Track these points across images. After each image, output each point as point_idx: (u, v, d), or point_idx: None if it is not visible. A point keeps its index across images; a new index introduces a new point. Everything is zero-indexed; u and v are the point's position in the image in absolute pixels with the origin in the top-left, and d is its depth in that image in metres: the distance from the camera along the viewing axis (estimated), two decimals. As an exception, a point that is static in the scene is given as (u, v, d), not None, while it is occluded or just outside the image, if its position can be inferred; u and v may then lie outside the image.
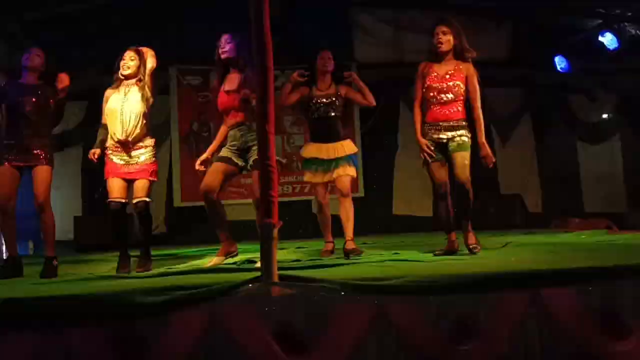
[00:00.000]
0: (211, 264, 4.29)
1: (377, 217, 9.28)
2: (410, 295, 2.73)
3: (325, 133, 4.91)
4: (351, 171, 4.87)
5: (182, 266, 4.52)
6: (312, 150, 4.94)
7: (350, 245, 4.64)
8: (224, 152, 4.41)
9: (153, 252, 6.68)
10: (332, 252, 4.95)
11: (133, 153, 4.36)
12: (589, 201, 9.44)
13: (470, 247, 4.33)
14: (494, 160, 4.48)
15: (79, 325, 2.52)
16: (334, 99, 4.92)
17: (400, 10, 9.24)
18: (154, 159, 4.46)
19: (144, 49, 4.49)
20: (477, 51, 4.48)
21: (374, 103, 4.94)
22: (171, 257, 6.26)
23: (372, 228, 8.95)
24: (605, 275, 2.89)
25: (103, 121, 4.46)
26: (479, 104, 4.38)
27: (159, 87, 8.92)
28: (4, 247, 5.09)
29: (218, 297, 2.70)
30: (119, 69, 4.41)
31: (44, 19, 7.76)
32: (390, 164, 9.38)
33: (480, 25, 9.08)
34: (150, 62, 4.45)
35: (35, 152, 4.43)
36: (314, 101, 4.93)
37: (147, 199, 4.42)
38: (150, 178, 4.42)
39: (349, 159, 4.89)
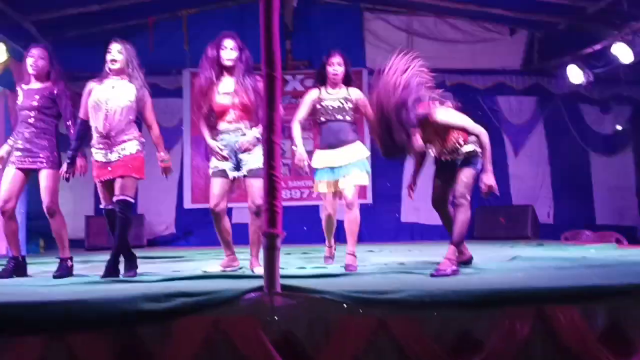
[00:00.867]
0: (209, 269, 4.31)
1: (385, 224, 9.27)
2: (413, 309, 2.72)
3: (335, 138, 4.58)
4: (360, 179, 4.56)
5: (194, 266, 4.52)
6: (323, 159, 4.65)
7: (350, 260, 4.45)
8: (218, 164, 4.43)
9: (161, 254, 6.79)
10: (332, 258, 4.89)
11: (115, 148, 4.18)
12: (600, 213, 9.36)
13: (435, 270, 3.91)
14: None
15: (81, 331, 2.53)
16: (344, 103, 4.58)
17: (413, 16, 9.23)
18: (138, 154, 4.23)
19: (128, 43, 4.31)
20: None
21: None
22: (179, 258, 6.29)
23: (379, 235, 8.95)
24: (612, 294, 2.86)
25: (82, 115, 4.29)
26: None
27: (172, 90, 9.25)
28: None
29: (221, 306, 2.71)
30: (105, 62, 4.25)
31: (59, 19, 7.85)
32: (399, 171, 9.34)
33: (494, 33, 9.06)
34: (138, 61, 4.30)
35: (38, 154, 4.37)
36: (323, 104, 4.60)
37: (127, 198, 4.17)
38: (132, 174, 4.19)
39: (360, 164, 4.59)
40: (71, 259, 4.46)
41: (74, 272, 4.45)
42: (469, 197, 4.05)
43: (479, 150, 4.07)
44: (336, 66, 4.58)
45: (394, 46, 9.11)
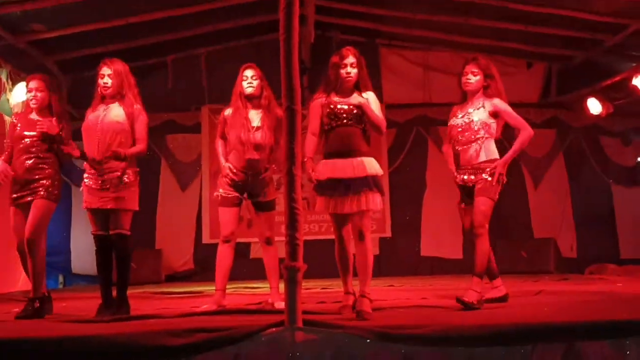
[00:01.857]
0: (202, 309, 4.12)
1: (404, 258, 9.16)
2: (438, 345, 2.65)
3: (343, 146, 3.80)
4: (373, 202, 3.74)
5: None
6: (326, 169, 3.81)
7: (364, 304, 3.60)
8: (228, 189, 4.42)
9: (180, 290, 6.76)
10: (352, 307, 3.86)
11: (107, 177, 4.00)
12: (625, 247, 9.15)
13: (461, 300, 3.81)
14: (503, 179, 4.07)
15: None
16: (356, 107, 3.84)
17: (429, 52, 9.29)
18: (131, 184, 4.05)
19: (120, 63, 4.16)
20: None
21: (383, 128, 3.95)
22: (198, 294, 6.25)
23: (399, 269, 8.84)
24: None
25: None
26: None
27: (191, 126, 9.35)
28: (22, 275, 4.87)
29: (242, 341, 2.66)
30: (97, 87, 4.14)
31: (80, 58, 8.02)
32: (419, 203, 9.28)
33: (511, 67, 9.07)
34: (131, 77, 4.18)
35: (33, 185, 4.15)
36: (331, 107, 3.86)
37: (123, 232, 4.00)
38: (128, 207, 4.02)
39: (373, 182, 3.77)
40: (42, 299, 4.13)
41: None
42: (487, 227, 4.01)
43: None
44: (348, 67, 3.88)
45: (410, 81, 9.29)
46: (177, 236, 9.17)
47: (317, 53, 8.87)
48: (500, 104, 4.14)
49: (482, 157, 4.09)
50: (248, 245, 8.95)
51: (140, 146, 4.10)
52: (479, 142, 4.10)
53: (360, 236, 3.75)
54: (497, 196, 4.06)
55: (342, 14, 8.52)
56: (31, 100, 4.27)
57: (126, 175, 4.04)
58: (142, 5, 7.21)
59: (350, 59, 3.87)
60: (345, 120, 3.81)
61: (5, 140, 4.38)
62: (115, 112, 4.09)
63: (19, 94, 7.23)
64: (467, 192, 4.16)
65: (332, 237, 8.88)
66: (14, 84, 7.21)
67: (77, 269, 9.11)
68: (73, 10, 6.78)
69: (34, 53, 7.47)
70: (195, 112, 9.41)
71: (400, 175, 9.28)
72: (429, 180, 9.29)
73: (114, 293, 4.07)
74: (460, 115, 4.21)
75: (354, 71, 3.86)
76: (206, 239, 9.30)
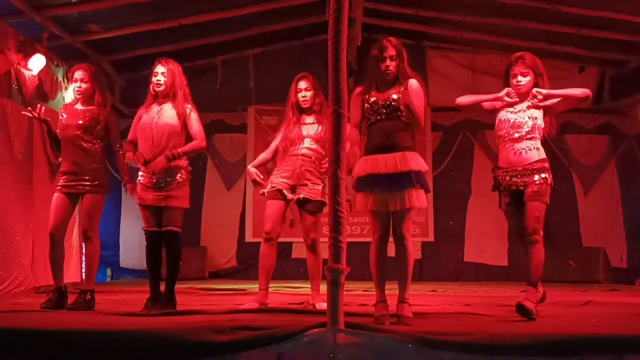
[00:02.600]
0: (245, 307, 4.15)
1: (447, 263, 9.07)
2: (483, 353, 2.61)
3: (384, 140, 3.61)
4: (418, 199, 3.53)
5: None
6: (366, 165, 3.61)
7: (404, 309, 3.47)
8: (278, 184, 4.44)
9: (223, 286, 6.86)
10: (384, 318, 3.44)
11: (160, 176, 4.10)
12: (678, 257, 8.82)
13: (525, 303, 3.61)
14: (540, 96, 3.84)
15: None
16: (398, 100, 3.62)
17: (477, 54, 9.16)
18: (184, 182, 4.16)
19: (173, 63, 4.26)
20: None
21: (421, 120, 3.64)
22: (241, 291, 6.34)
23: (441, 274, 8.75)
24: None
25: (130, 137, 4.29)
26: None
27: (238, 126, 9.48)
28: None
29: (284, 341, 2.69)
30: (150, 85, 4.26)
31: (133, 58, 8.25)
32: (462, 208, 9.16)
33: (563, 71, 8.86)
34: (183, 78, 4.28)
35: (84, 178, 4.25)
36: (372, 102, 3.68)
37: (175, 229, 4.13)
38: (180, 205, 4.14)
39: (417, 178, 3.55)
40: (92, 292, 4.26)
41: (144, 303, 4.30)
42: (542, 233, 3.81)
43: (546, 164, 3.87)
44: (387, 62, 3.67)
45: (458, 84, 9.18)
46: (222, 234, 9.33)
47: (363, 55, 8.87)
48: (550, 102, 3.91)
49: (535, 157, 3.82)
50: (290, 244, 9.04)
51: (196, 142, 4.20)
52: (532, 141, 3.84)
53: (401, 237, 3.57)
54: (549, 199, 3.86)
55: (390, 16, 8.48)
56: (75, 91, 4.37)
57: (179, 174, 4.15)
58: (193, 8, 7.36)
59: (390, 51, 3.66)
60: (385, 115, 3.63)
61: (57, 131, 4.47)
62: (168, 113, 4.17)
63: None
64: (516, 196, 3.90)
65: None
66: (69, 83, 7.47)
67: (125, 264, 9.37)
68: (127, 12, 6.99)
69: (90, 53, 7.72)
70: (242, 113, 9.55)
71: (445, 179, 9.18)
72: (474, 185, 9.17)
73: (162, 288, 4.17)
74: (512, 110, 3.92)
75: (393, 64, 3.66)
76: (249, 237, 9.42)
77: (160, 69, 4.22)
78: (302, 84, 4.54)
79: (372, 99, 3.67)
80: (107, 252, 9.10)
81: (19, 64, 6.38)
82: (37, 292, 6.02)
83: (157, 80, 4.20)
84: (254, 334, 2.72)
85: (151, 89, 4.25)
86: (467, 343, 2.66)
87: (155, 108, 4.22)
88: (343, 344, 2.69)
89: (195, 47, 8.42)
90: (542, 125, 3.89)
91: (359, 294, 5.79)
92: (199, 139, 4.21)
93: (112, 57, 8.19)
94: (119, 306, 4.48)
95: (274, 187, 4.46)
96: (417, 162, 3.57)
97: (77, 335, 2.74)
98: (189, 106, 4.24)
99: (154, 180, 4.12)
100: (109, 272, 9.49)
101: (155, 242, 4.17)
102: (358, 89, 3.78)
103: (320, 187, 4.50)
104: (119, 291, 6.14)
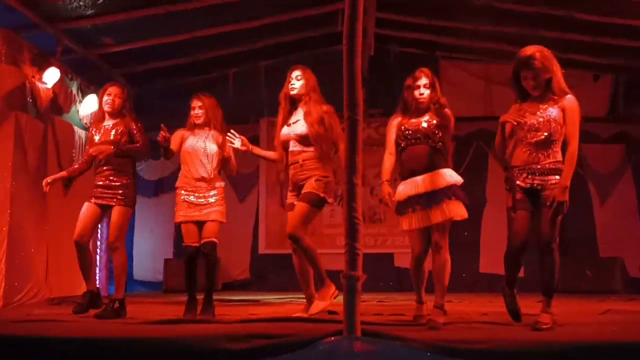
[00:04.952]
0: (317, 310, 4.14)
1: (462, 274, 8.97)
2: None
3: (416, 164, 3.91)
4: (456, 211, 3.82)
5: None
6: (405, 189, 3.94)
7: (437, 315, 3.73)
8: (289, 198, 4.44)
9: (236, 298, 6.84)
10: (423, 317, 3.96)
11: (206, 193, 4.57)
12: (697, 267, 8.68)
13: (538, 325, 3.50)
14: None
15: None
16: (428, 126, 3.94)
17: (491, 64, 9.13)
18: (223, 201, 4.64)
19: (208, 98, 4.75)
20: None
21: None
22: (255, 302, 6.31)
23: (456, 286, 8.65)
24: None
25: (173, 148, 4.66)
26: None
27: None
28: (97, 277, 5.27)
29: (300, 349, 2.66)
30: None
31: (146, 71, 8.32)
32: (477, 218, 9.09)
33: (577, 80, 8.81)
34: (218, 110, 4.75)
35: (117, 191, 4.53)
36: (403, 128, 4.00)
37: (215, 240, 4.56)
38: (220, 219, 4.58)
39: (452, 192, 3.84)
40: (121, 300, 4.49)
41: (160, 313, 4.58)
42: (558, 241, 3.69)
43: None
44: (421, 88, 3.99)
45: (471, 94, 9.15)
46: (235, 246, 9.32)
47: (375, 65, 8.89)
48: (569, 106, 3.72)
49: (553, 158, 3.69)
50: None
51: (234, 164, 4.83)
52: (553, 142, 3.70)
53: (439, 248, 3.84)
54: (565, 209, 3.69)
55: (402, 27, 8.50)
56: (106, 104, 4.65)
57: (221, 192, 4.66)
58: (206, 20, 7.41)
59: (423, 80, 3.99)
60: (415, 140, 3.95)
61: (87, 147, 4.82)
62: (212, 140, 4.67)
63: (88, 105, 7.55)
64: (530, 194, 3.74)
65: (387, 250, 8.74)
66: (83, 96, 7.54)
67: (138, 276, 9.39)
68: (141, 25, 7.04)
69: (103, 66, 7.79)
70: (254, 124, 9.58)
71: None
72: (489, 195, 9.10)
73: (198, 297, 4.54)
74: (532, 114, 3.75)
75: (427, 92, 3.97)
76: (262, 249, 9.41)
77: (197, 103, 4.72)
78: (293, 74, 4.50)
79: (406, 126, 3.98)
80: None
81: (33, 77, 6.44)
82: (51, 303, 6.03)
83: (196, 114, 4.70)
84: (269, 342, 2.69)
85: (191, 120, 4.74)
86: (485, 351, 2.62)
87: (199, 135, 4.69)
88: (360, 351, 2.65)
89: (208, 59, 8.47)
90: (561, 126, 3.70)
91: (374, 304, 5.73)
92: (233, 165, 4.84)
93: (125, 70, 8.25)
94: (145, 315, 4.51)
95: (288, 202, 4.48)
96: (452, 177, 3.89)
97: (98, 343, 2.73)
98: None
99: (202, 197, 4.56)
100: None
101: (193, 256, 4.56)
102: (393, 119, 4.10)
103: (322, 180, 4.29)
104: (133, 302, 6.11)
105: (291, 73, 4.51)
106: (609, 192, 9.00)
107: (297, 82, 4.45)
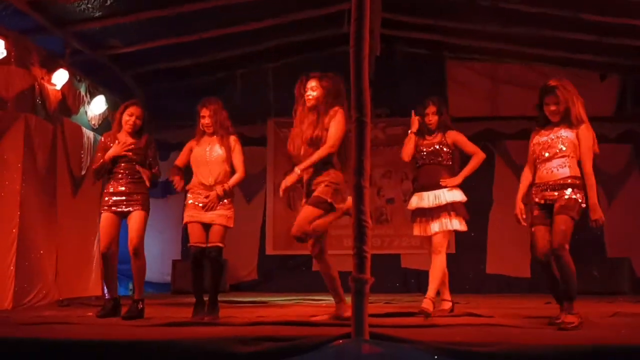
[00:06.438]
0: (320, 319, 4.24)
1: (469, 275, 8.96)
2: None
3: (427, 180, 4.87)
4: (452, 223, 4.78)
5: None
6: (415, 200, 4.93)
7: (425, 303, 4.50)
8: (303, 203, 4.46)
9: (243, 299, 6.86)
10: (429, 309, 4.50)
11: (214, 197, 4.59)
12: None
13: (562, 324, 3.69)
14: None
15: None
16: (439, 147, 4.92)
17: (499, 64, 9.11)
18: (230, 205, 4.67)
19: (213, 104, 4.71)
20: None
21: (482, 154, 4.99)
22: (261, 304, 6.32)
23: (463, 287, 8.65)
24: None
25: (178, 162, 4.77)
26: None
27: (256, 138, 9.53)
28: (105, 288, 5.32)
29: (308, 352, 2.66)
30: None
31: (154, 72, 8.35)
32: (484, 220, 9.07)
33: (584, 80, 8.78)
34: (223, 112, 4.74)
35: (133, 197, 4.66)
36: (418, 149, 4.96)
37: (221, 245, 4.59)
38: (226, 224, 4.61)
39: (452, 208, 4.78)
40: (142, 301, 4.64)
41: (168, 315, 4.66)
42: (567, 248, 3.79)
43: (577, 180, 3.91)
44: (430, 116, 4.98)
45: (478, 93, 9.13)
46: (242, 247, 9.32)
47: (381, 66, 8.88)
48: (582, 131, 3.98)
49: (567, 172, 3.92)
50: (310, 257, 8.99)
51: (239, 174, 4.72)
52: (564, 158, 3.93)
53: (434, 252, 4.78)
54: (578, 216, 3.84)
55: (408, 27, 8.49)
56: (127, 123, 4.74)
57: (228, 196, 4.65)
58: (213, 21, 7.43)
59: (432, 109, 4.98)
60: (428, 159, 4.92)
61: (97, 154, 4.87)
62: (217, 148, 4.69)
63: (97, 107, 7.60)
64: (547, 209, 3.95)
65: (394, 251, 8.95)
66: (92, 97, 7.58)
67: (146, 277, 9.38)
68: (149, 26, 7.07)
69: (112, 67, 7.82)
70: (262, 125, 9.59)
71: (465, 190, 9.06)
72: (495, 195, 9.08)
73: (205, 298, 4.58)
74: (546, 135, 4.07)
75: (435, 118, 4.98)
76: (269, 250, 9.42)
77: (205, 112, 4.70)
78: (309, 84, 4.53)
79: (418, 147, 4.96)
80: (128, 265, 9.14)
81: (42, 78, 6.48)
82: (60, 305, 6.07)
83: (206, 123, 4.69)
84: (277, 345, 2.70)
85: (200, 127, 4.75)
86: (493, 353, 2.62)
87: (207, 143, 4.72)
88: (368, 354, 2.66)
89: (215, 60, 8.49)
90: (575, 144, 3.96)
91: (381, 306, 5.74)
92: (240, 170, 4.72)
93: (133, 71, 8.29)
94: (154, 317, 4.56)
95: (301, 205, 4.52)
96: (453, 196, 4.82)
97: (107, 345, 2.75)
98: (234, 138, 4.76)
99: (204, 201, 4.57)
100: (130, 285, 9.52)
101: (199, 257, 4.59)
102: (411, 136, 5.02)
103: (331, 186, 4.31)
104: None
105: (307, 83, 4.54)
106: (617, 192, 8.96)
107: (312, 92, 4.49)
